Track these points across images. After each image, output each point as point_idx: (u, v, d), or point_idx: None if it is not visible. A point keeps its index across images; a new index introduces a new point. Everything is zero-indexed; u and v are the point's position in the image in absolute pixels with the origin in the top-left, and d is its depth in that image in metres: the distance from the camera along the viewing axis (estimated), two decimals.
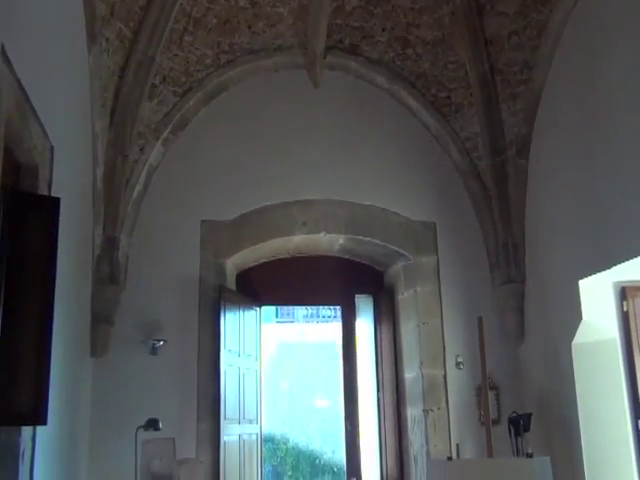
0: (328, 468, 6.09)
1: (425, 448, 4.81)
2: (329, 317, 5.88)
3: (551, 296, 4.60)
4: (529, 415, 4.54)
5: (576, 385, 4.22)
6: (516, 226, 4.98)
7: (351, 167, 5.12)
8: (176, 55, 4.67)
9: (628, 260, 3.74)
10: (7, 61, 2.39)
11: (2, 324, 2.64)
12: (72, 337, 3.76)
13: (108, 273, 4.39)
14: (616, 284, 4.28)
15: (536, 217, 4.86)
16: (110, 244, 4.44)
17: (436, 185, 5.25)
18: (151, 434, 4.07)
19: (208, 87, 4.97)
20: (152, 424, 4.02)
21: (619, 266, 3.85)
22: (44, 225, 2.90)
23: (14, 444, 2.77)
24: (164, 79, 4.69)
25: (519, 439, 4.48)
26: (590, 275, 4.13)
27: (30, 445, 2.89)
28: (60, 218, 2.92)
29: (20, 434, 2.79)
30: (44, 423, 2.77)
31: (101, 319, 4.35)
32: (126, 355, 4.47)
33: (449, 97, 5.11)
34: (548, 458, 3.77)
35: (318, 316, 5.81)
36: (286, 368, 6.19)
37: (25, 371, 2.69)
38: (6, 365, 2.60)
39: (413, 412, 5.02)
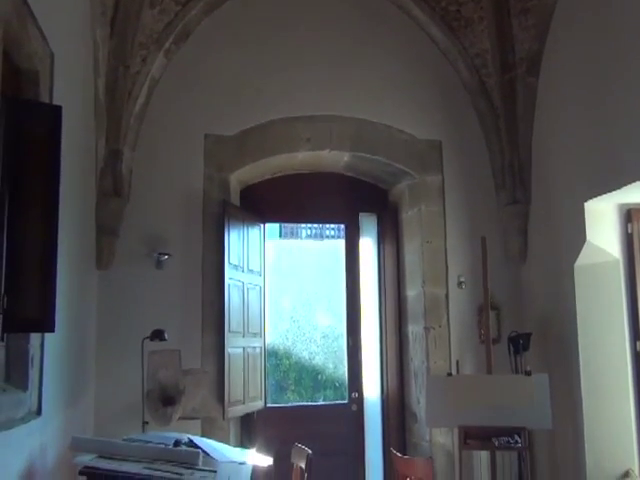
0: (330, 383, 6.27)
1: (425, 364, 4.93)
2: (333, 235, 5.89)
3: (556, 218, 4.59)
4: (529, 335, 4.63)
5: (577, 306, 4.27)
6: (523, 146, 4.91)
7: (356, 83, 5.00)
8: None
9: (634, 182, 3.70)
10: None
11: (7, 235, 2.65)
12: (77, 248, 3.78)
13: (112, 186, 4.36)
14: (621, 206, 4.26)
15: (544, 137, 4.77)
16: (113, 157, 4.38)
17: (443, 103, 5.14)
18: (157, 345, 4.16)
19: None
20: (157, 335, 4.11)
21: (625, 188, 3.81)
22: (46, 134, 2.84)
23: (23, 350, 2.84)
24: None
25: (518, 358, 4.59)
26: (596, 197, 4.09)
27: (39, 352, 2.96)
28: (62, 128, 2.87)
29: (29, 341, 2.85)
30: (52, 330, 2.81)
31: (105, 231, 4.37)
32: (131, 268, 4.51)
33: (459, 11, 4.91)
34: (546, 375, 3.88)
35: (322, 234, 5.82)
36: (289, 285, 6.26)
37: (32, 280, 2.71)
38: (13, 274, 2.61)
39: (414, 329, 5.12)
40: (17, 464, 2.66)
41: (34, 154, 2.76)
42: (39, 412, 2.93)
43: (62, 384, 3.43)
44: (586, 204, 4.19)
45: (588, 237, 4.21)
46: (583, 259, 4.27)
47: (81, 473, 2.65)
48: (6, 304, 2.59)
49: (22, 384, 2.79)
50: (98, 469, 2.69)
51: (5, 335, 2.72)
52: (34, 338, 2.89)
